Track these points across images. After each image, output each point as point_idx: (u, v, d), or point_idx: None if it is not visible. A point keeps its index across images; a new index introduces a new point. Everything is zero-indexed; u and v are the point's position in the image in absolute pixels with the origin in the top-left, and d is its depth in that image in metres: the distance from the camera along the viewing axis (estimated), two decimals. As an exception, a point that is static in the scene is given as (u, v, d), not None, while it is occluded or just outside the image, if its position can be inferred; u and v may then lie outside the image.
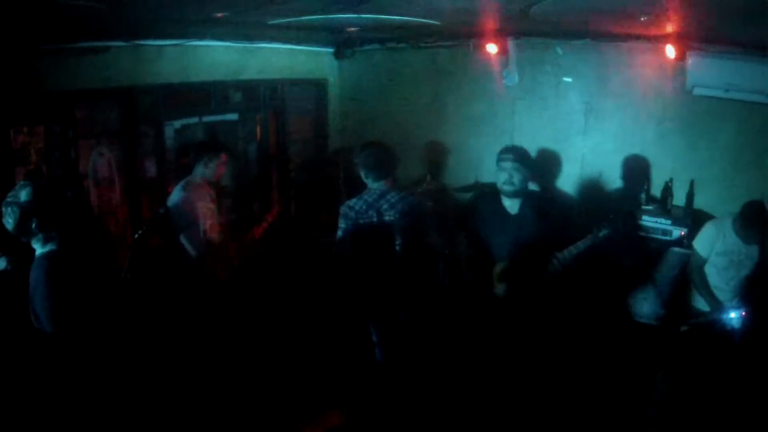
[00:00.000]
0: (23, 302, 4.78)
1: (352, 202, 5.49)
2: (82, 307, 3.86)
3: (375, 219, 5.37)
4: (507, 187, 5.38)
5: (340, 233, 5.48)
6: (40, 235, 3.84)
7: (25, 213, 3.77)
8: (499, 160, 5.46)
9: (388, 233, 5.35)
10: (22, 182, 3.89)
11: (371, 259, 5.46)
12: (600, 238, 5.18)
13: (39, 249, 3.89)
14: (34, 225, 3.80)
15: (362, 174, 5.51)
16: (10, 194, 3.82)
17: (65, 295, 3.79)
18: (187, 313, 5.74)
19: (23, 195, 3.78)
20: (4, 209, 3.80)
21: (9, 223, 3.80)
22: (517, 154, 5.41)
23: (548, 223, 5.37)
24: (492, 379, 5.67)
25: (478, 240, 5.62)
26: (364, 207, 5.40)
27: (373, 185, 5.47)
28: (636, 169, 7.18)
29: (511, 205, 5.48)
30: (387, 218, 5.35)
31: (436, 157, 8.64)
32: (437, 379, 5.91)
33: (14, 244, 5.09)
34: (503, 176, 5.38)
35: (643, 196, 6.96)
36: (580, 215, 6.39)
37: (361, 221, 5.39)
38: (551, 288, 5.38)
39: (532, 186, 5.83)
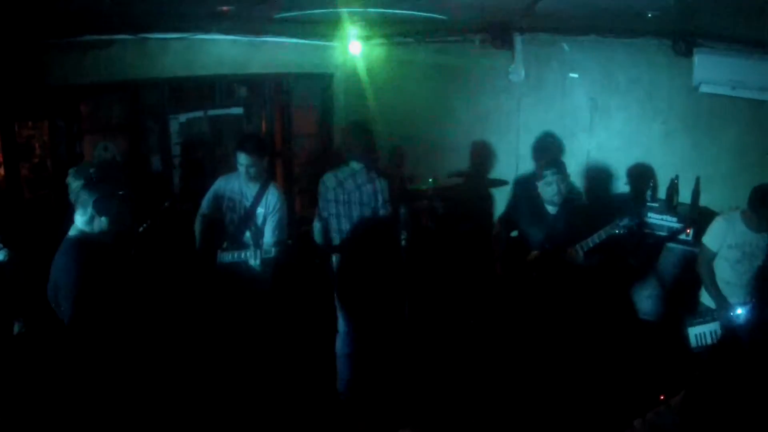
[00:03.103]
0: (22, 293, 4.82)
1: (326, 176, 5.70)
2: (104, 299, 3.84)
3: (342, 197, 5.56)
4: (556, 200, 5.67)
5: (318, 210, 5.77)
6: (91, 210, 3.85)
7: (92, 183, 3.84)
8: (544, 175, 5.68)
9: (356, 215, 5.48)
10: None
11: (356, 244, 5.55)
12: (620, 228, 5.34)
13: (79, 225, 3.89)
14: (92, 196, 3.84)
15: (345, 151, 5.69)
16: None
17: (92, 286, 3.78)
18: (190, 305, 5.74)
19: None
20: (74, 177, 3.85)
21: (73, 184, 3.85)
22: (559, 167, 5.68)
23: (577, 220, 5.65)
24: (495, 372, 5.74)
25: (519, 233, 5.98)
26: (334, 184, 5.59)
27: (351, 163, 5.57)
28: (642, 168, 7.16)
29: (552, 208, 5.76)
30: (351, 199, 5.51)
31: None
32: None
33: (13, 236, 5.12)
34: (552, 190, 5.64)
35: (649, 193, 6.93)
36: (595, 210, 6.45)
37: (328, 197, 5.61)
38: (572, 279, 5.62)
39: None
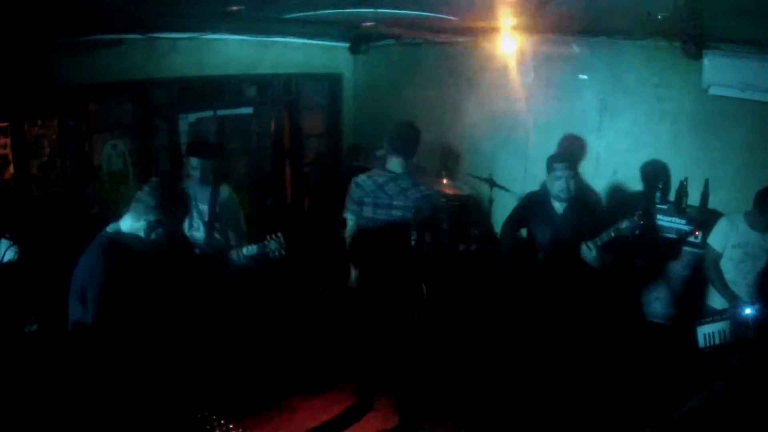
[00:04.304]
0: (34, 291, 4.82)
1: (361, 179, 5.46)
2: (133, 302, 3.80)
3: (382, 202, 5.36)
4: (563, 195, 5.61)
5: (347, 214, 5.56)
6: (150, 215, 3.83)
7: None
8: (554, 168, 5.63)
9: (396, 222, 5.32)
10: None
11: (377, 245, 5.44)
12: (623, 230, 5.25)
13: (125, 226, 3.87)
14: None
15: (384, 151, 5.58)
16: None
17: (122, 288, 3.74)
18: (198, 308, 5.75)
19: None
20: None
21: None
22: (570, 161, 5.65)
23: (585, 221, 5.57)
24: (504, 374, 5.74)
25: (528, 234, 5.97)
26: (372, 187, 5.38)
27: (390, 166, 5.43)
28: (652, 169, 7.14)
29: (559, 206, 5.70)
30: (395, 204, 5.32)
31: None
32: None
33: (23, 234, 5.14)
34: (560, 185, 5.58)
35: (658, 195, 6.91)
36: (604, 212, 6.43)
37: (366, 203, 5.39)
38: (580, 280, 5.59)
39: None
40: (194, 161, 5.78)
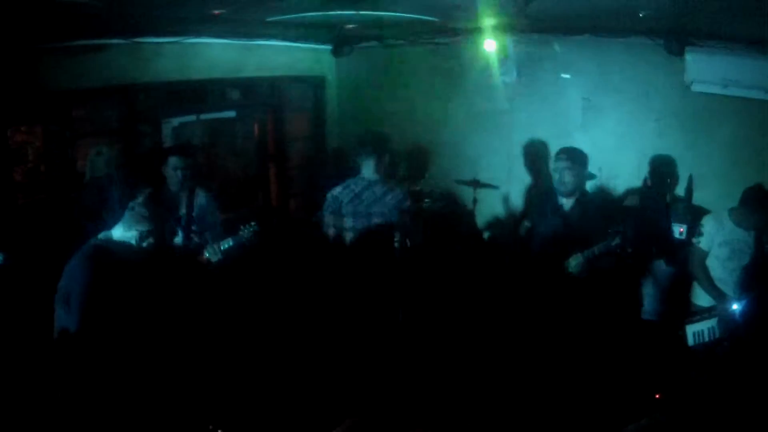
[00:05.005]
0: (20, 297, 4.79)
1: (337, 191, 5.62)
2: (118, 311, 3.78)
3: (360, 211, 5.54)
4: (560, 187, 5.68)
5: (325, 228, 5.74)
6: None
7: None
8: (555, 159, 5.71)
9: (375, 228, 5.44)
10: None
11: (360, 252, 5.53)
12: (612, 247, 5.32)
13: (117, 234, 3.84)
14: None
15: (357, 160, 5.68)
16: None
17: (108, 296, 3.73)
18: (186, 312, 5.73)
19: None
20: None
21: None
22: (571, 155, 5.65)
23: (591, 221, 5.60)
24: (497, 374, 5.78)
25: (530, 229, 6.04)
26: (350, 196, 5.56)
27: (364, 173, 5.62)
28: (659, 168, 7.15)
29: (566, 203, 5.74)
30: (373, 211, 5.50)
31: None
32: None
33: (10, 239, 5.11)
34: (556, 176, 5.68)
35: (667, 194, 6.90)
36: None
37: (345, 213, 5.57)
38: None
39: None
40: (172, 161, 5.85)
